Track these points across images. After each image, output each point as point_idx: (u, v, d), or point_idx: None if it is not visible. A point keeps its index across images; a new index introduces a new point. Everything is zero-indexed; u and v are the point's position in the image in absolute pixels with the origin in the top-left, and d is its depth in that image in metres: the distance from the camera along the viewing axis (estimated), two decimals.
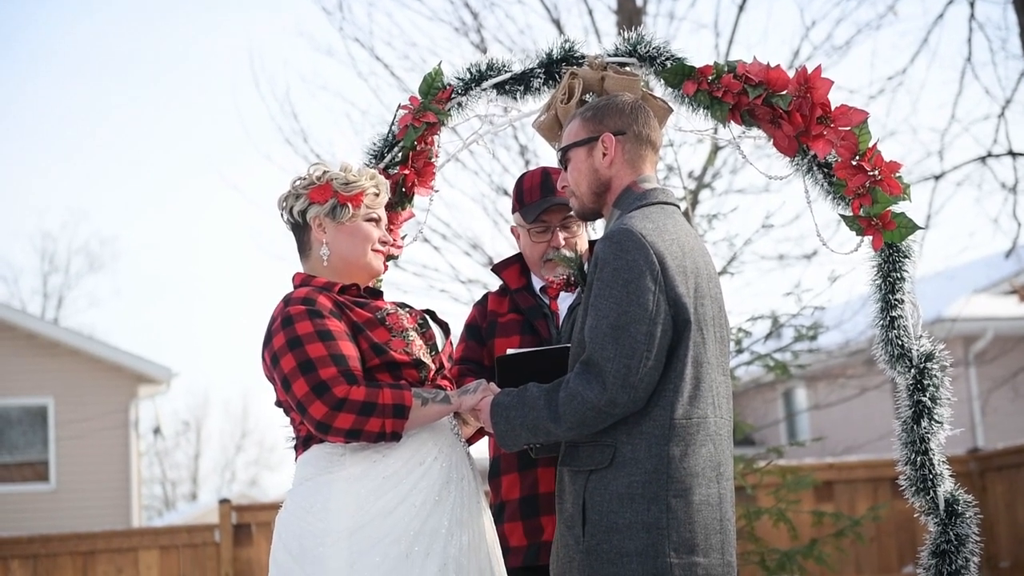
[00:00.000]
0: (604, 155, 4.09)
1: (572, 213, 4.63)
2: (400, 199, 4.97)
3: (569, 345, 4.03)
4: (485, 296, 5.03)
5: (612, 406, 3.74)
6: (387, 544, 3.94)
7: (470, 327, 4.93)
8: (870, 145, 4.37)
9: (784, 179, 4.62)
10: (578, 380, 3.78)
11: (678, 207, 4.10)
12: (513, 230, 5.02)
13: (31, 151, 62.64)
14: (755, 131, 4.61)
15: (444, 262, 13.61)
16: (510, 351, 4.19)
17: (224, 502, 11.00)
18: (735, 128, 4.63)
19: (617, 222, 3.96)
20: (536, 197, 4.86)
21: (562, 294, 4.86)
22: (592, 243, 4.91)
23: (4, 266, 61.77)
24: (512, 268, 4.99)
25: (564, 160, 4.21)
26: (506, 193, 13.31)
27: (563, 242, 4.81)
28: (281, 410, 4.19)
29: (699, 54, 4.73)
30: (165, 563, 10.86)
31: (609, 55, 4.71)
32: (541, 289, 4.91)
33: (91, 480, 21.64)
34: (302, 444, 4.14)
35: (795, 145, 4.48)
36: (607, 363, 3.75)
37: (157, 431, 26.50)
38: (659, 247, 3.83)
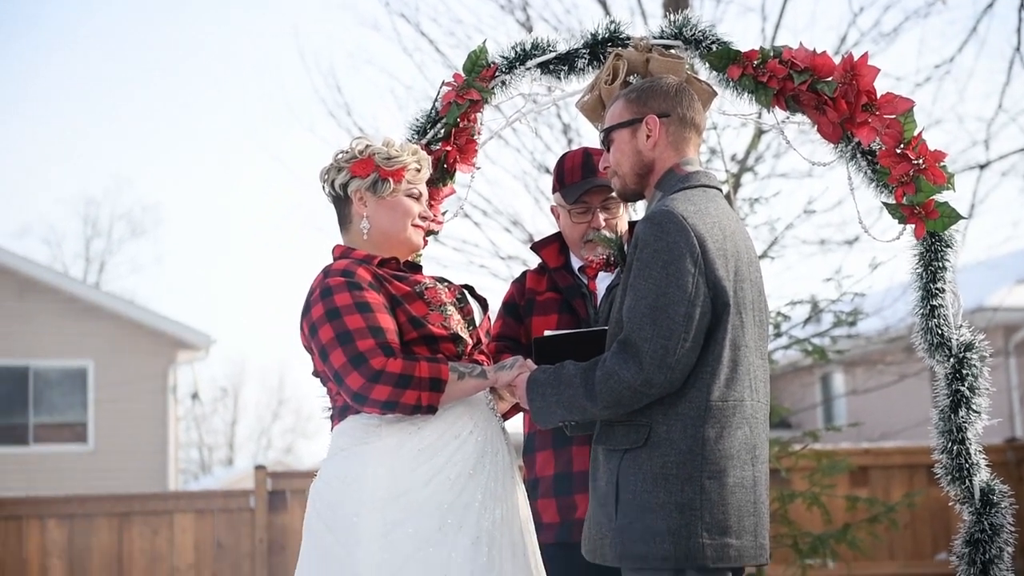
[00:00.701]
0: (648, 137, 4.09)
1: (613, 194, 4.63)
2: (441, 175, 4.98)
3: (607, 328, 4.02)
4: (523, 274, 5.04)
5: (648, 386, 3.74)
6: (421, 516, 3.96)
7: (508, 304, 4.95)
8: (915, 133, 4.36)
9: (827, 165, 4.59)
10: (615, 359, 3.78)
11: (720, 190, 4.09)
12: (553, 209, 5.03)
13: (76, 117, 63.05)
14: (799, 117, 4.59)
15: (484, 238, 13.64)
16: (548, 332, 4.21)
17: (260, 468, 11.08)
18: (779, 113, 4.61)
19: (659, 203, 3.94)
20: (577, 178, 4.87)
21: (600, 274, 4.86)
22: (632, 224, 4.92)
23: (48, 230, 62.28)
24: (551, 247, 5.00)
25: (607, 141, 4.20)
26: (548, 171, 13.31)
27: (603, 223, 4.82)
28: (318, 380, 4.22)
29: (745, 38, 4.73)
30: (200, 527, 10.95)
31: (654, 37, 4.71)
32: (580, 269, 4.92)
33: (129, 443, 21.80)
34: (338, 414, 4.17)
35: (839, 132, 4.46)
36: (644, 343, 3.74)
37: (195, 396, 26.69)
38: (700, 229, 3.81)
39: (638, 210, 5.13)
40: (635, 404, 3.79)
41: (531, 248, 5.11)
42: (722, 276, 3.82)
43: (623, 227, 4.88)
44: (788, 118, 4.64)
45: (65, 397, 22.12)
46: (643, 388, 3.75)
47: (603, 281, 4.86)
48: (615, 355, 3.79)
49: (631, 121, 4.13)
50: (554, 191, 4.98)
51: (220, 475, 38.36)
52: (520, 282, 5.01)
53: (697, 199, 3.94)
